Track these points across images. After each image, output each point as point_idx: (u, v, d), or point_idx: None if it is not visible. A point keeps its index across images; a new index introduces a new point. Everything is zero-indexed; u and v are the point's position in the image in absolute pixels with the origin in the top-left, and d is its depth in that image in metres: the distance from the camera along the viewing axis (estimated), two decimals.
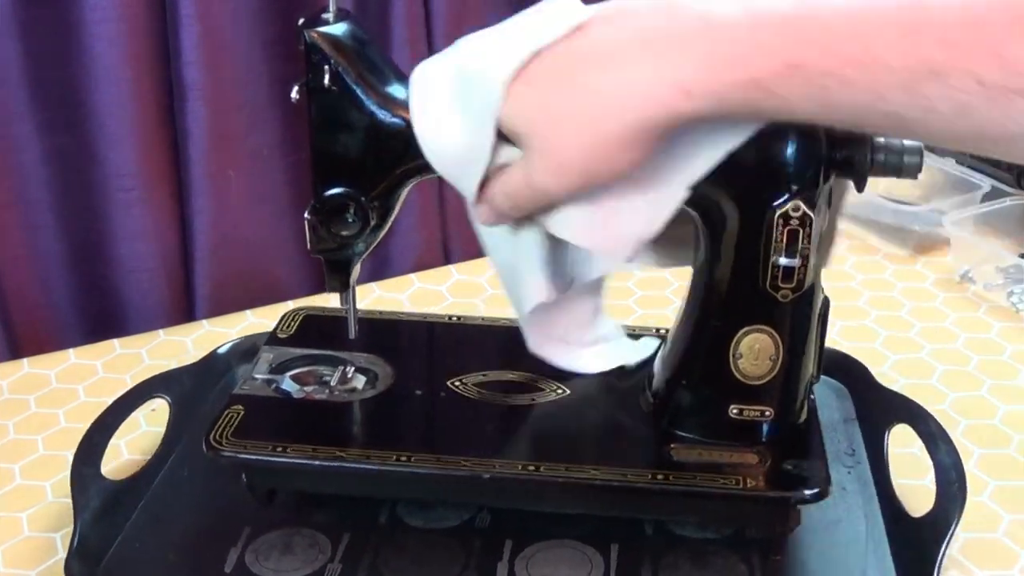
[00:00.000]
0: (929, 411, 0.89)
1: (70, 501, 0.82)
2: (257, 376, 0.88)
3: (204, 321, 1.15)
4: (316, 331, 0.95)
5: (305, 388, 0.88)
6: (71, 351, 1.09)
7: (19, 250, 1.19)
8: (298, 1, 1.21)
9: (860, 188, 0.76)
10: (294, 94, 0.76)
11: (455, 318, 0.99)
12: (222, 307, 1.21)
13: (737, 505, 0.79)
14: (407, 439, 0.85)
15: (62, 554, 0.84)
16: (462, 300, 1.18)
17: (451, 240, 1.37)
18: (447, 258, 1.36)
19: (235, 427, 0.81)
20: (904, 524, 0.84)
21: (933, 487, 0.83)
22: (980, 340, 1.11)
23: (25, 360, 1.08)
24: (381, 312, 1.00)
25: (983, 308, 1.16)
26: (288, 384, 0.88)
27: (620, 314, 1.13)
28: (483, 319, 0.99)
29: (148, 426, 0.95)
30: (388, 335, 0.96)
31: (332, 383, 0.88)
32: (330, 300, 0.91)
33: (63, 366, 1.07)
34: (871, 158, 0.74)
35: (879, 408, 0.94)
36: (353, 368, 0.90)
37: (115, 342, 1.10)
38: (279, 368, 0.90)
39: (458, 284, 1.22)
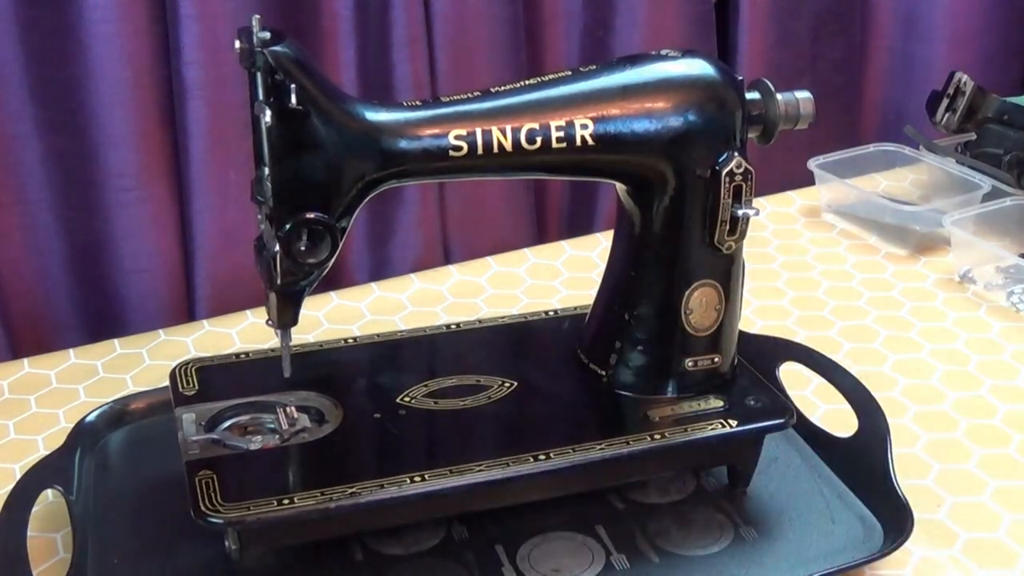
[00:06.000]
0: (809, 346, 0.98)
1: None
2: (193, 438, 0.81)
3: (204, 321, 1.15)
4: (220, 381, 0.89)
5: (255, 438, 0.82)
6: (71, 351, 1.09)
7: (19, 250, 1.19)
8: (298, 1, 1.21)
9: (768, 140, 0.85)
10: (268, 117, 0.72)
11: (352, 340, 0.96)
12: (222, 307, 1.21)
13: (723, 446, 0.86)
14: (406, 461, 0.83)
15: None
16: (462, 300, 1.18)
17: (451, 240, 1.37)
18: (447, 258, 1.36)
19: (219, 492, 0.76)
20: (837, 446, 0.91)
21: (844, 411, 0.91)
22: (980, 340, 1.11)
23: (25, 360, 1.08)
24: (272, 349, 0.91)
25: (983, 308, 1.16)
26: (235, 439, 0.82)
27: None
28: (382, 336, 0.97)
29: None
30: (302, 369, 0.89)
31: (281, 427, 0.83)
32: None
33: (63, 366, 1.07)
34: (779, 113, 0.84)
35: (761, 355, 0.96)
36: (293, 408, 0.85)
37: (115, 342, 1.10)
38: (210, 425, 0.83)
39: (458, 284, 1.22)
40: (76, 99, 1.14)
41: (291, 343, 0.84)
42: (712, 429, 0.84)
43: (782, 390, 0.94)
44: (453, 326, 0.99)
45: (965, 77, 1.36)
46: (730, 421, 0.84)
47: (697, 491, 0.89)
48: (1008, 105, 1.35)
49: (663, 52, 0.84)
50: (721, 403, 0.86)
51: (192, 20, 1.13)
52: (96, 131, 1.15)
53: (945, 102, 1.38)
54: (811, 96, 0.86)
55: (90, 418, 0.94)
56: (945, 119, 1.38)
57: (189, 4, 1.12)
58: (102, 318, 1.23)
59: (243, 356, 0.93)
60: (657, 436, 0.83)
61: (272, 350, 0.91)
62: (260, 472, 0.80)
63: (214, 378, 0.89)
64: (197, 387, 0.88)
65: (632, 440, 0.82)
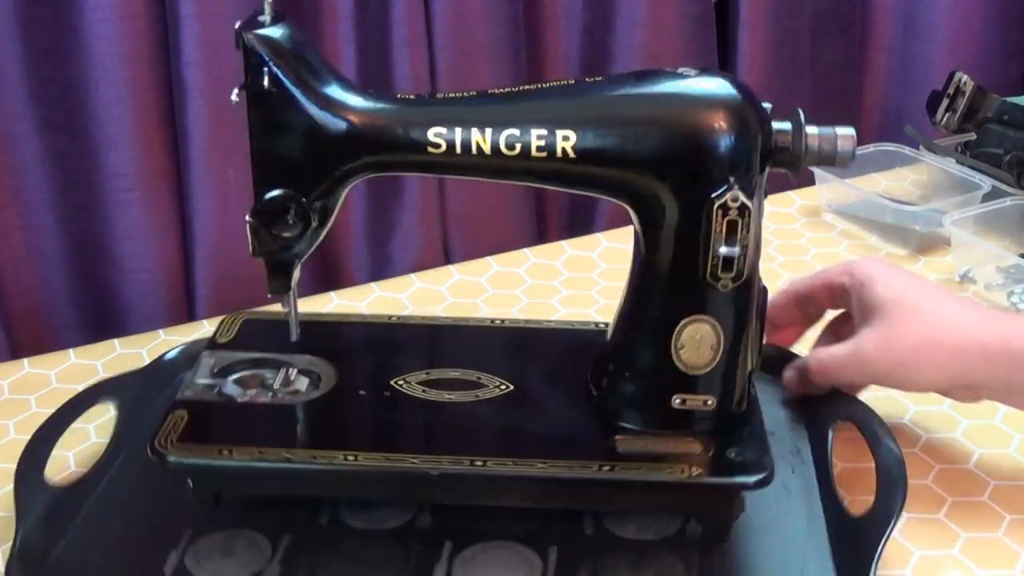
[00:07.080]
0: (873, 409, 0.90)
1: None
2: (199, 381, 0.88)
3: (204, 321, 1.15)
4: (257, 335, 0.95)
5: (248, 391, 0.87)
6: (71, 351, 1.09)
7: (19, 250, 1.19)
8: (298, 1, 1.21)
9: (795, 176, 0.80)
10: (234, 97, 0.78)
11: (395, 318, 1.00)
12: (222, 307, 1.20)
13: (682, 493, 0.80)
14: (353, 439, 0.86)
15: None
16: (462, 300, 1.18)
17: (451, 240, 1.37)
18: (447, 258, 1.36)
19: (180, 432, 0.81)
20: (844, 523, 0.83)
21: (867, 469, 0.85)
22: None
23: (25, 360, 1.08)
24: (321, 314, 0.99)
25: None
26: (231, 388, 0.88)
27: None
28: (422, 318, 1.01)
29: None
30: (330, 337, 0.96)
31: (275, 385, 0.88)
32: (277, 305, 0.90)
33: (63, 366, 1.07)
34: (806, 147, 0.78)
35: (825, 407, 0.93)
36: (295, 370, 0.89)
37: (115, 342, 1.10)
38: (221, 372, 0.89)
39: (458, 284, 1.22)
40: (76, 99, 1.14)
41: (299, 311, 0.87)
42: (667, 474, 0.78)
43: (827, 455, 0.88)
44: (490, 321, 1.01)
45: (965, 77, 1.36)
46: (694, 469, 0.78)
47: (677, 534, 0.82)
48: (1008, 105, 1.35)
49: (679, 70, 0.80)
50: (700, 448, 0.81)
51: (192, 20, 1.13)
52: (96, 131, 1.16)
53: (945, 102, 1.38)
54: (853, 133, 0.78)
55: (169, 356, 0.99)
56: (945, 119, 1.38)
57: (189, 4, 1.12)
58: (102, 318, 1.24)
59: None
60: (605, 468, 0.79)
61: (321, 315, 1.01)
62: (229, 422, 0.85)
63: (252, 331, 0.95)
64: (233, 336, 0.94)
65: (574, 466, 0.79)
